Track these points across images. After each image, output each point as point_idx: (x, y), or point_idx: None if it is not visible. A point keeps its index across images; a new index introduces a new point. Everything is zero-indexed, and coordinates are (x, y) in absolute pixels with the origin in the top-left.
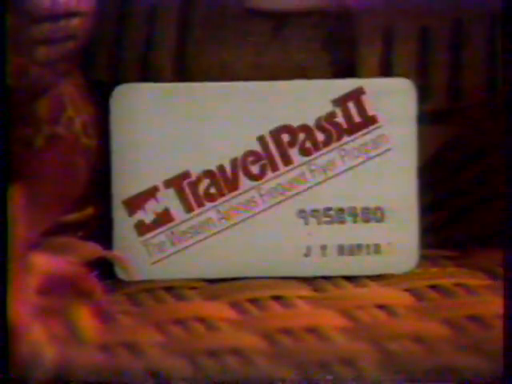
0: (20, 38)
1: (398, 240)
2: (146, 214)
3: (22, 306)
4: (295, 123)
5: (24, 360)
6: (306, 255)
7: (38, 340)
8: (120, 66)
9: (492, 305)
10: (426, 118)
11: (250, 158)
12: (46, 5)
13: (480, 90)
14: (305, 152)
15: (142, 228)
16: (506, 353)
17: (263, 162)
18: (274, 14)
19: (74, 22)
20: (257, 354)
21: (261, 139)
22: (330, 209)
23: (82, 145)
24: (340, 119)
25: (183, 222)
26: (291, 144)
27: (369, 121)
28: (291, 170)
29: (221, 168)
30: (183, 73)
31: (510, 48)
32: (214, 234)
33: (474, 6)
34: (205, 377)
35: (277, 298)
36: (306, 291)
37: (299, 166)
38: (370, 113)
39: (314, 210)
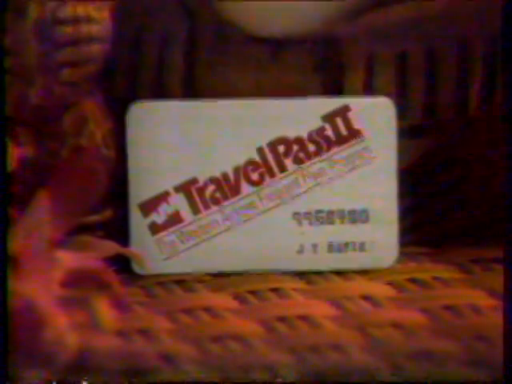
0: (46, 61)
1: (381, 239)
2: (159, 216)
3: (48, 298)
4: (290, 136)
5: (49, 345)
6: (300, 252)
7: (62, 327)
8: (136, 85)
9: (464, 296)
10: (404, 132)
11: (251, 167)
12: (69, 31)
13: (451, 108)
14: (298, 161)
15: (154, 228)
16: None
17: (262, 169)
18: (272, 41)
19: (95, 47)
20: (256, 339)
21: (260, 150)
22: (320, 211)
23: (102, 155)
24: (329, 132)
25: (191, 222)
26: (286, 154)
27: (354, 134)
28: (286, 176)
29: (225, 175)
30: (191, 91)
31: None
32: (219, 233)
33: (444, 34)
34: (210, 360)
35: (274, 290)
36: (299, 284)
37: (293, 173)
38: (356, 127)
39: (307, 213)
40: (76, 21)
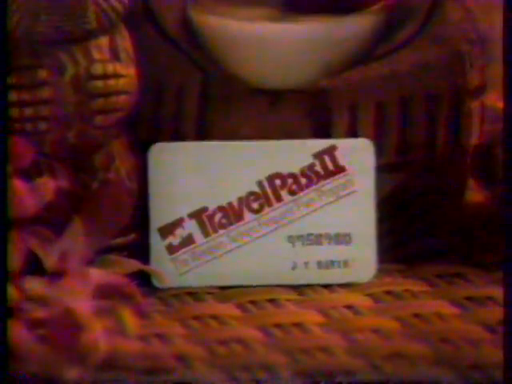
0: (82, 110)
1: (361, 258)
2: (175, 238)
3: (83, 307)
4: (285, 171)
5: (85, 347)
6: (293, 269)
7: (96, 332)
8: (156, 129)
9: (430, 305)
10: (381, 168)
11: (252, 197)
12: (100, 85)
13: (420, 148)
14: (292, 192)
15: (171, 248)
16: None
17: (261, 200)
18: (270, 92)
19: (122, 97)
20: (256, 342)
21: (259, 183)
22: (311, 234)
23: (127, 187)
24: (318, 168)
25: (202, 244)
26: (282, 186)
27: (339, 170)
28: (282, 205)
29: (230, 204)
30: (203, 134)
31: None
32: (225, 253)
33: (414, 86)
34: (217, 360)
35: (271, 301)
36: (292, 295)
37: (288, 202)
38: (341, 164)
39: (299, 235)
40: (106, 76)
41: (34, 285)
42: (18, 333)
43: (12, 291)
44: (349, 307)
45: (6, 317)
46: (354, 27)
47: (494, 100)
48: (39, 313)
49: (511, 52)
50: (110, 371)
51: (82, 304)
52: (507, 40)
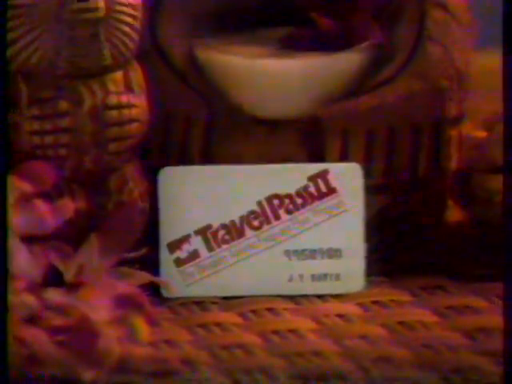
0: (98, 137)
1: (351, 271)
2: (182, 253)
3: (99, 315)
4: (282, 192)
5: (101, 352)
6: (290, 281)
7: (111, 338)
8: (165, 154)
9: (414, 314)
10: (370, 189)
11: (252, 215)
12: (115, 115)
13: (405, 172)
14: (289, 211)
15: (178, 262)
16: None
17: (261, 218)
18: (269, 121)
19: (135, 126)
20: (255, 347)
21: (259, 203)
22: (306, 249)
23: (139, 207)
24: (312, 189)
25: (207, 258)
26: (280, 206)
27: (331, 191)
28: (280, 223)
29: (232, 222)
30: (208, 159)
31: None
32: (228, 266)
33: (400, 116)
34: (220, 364)
35: (269, 309)
36: (289, 305)
37: (285, 221)
38: (333, 186)
39: (295, 250)
40: (120, 107)
41: (54, 295)
42: (39, 338)
43: (33, 300)
44: (340, 315)
45: (5, 317)
46: (345, 63)
47: (471, 129)
48: (59, 320)
49: (511, 52)
50: (122, 374)
51: (98, 312)
52: (507, 40)
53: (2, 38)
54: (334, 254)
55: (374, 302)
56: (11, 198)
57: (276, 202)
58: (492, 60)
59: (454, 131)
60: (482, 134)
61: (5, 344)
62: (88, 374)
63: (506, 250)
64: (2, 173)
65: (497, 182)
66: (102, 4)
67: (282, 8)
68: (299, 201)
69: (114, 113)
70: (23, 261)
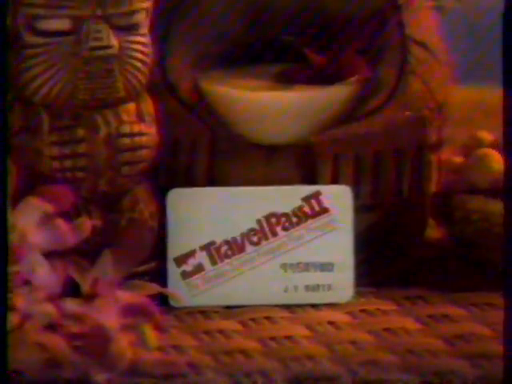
0: (112, 162)
1: (341, 282)
2: (188, 266)
3: (113, 323)
4: (279, 211)
5: (114, 356)
6: (285, 291)
7: (123, 344)
8: (173, 177)
9: (398, 322)
10: (358, 209)
11: (252, 232)
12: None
13: (391, 194)
14: (285, 229)
15: (185, 275)
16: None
17: (260, 234)
18: (267, 147)
19: (145, 151)
20: (255, 352)
21: (258, 221)
22: (300, 263)
23: (149, 226)
24: (306, 209)
25: (210, 271)
26: (277, 224)
27: (324, 210)
28: (277, 239)
29: (234, 238)
30: (212, 182)
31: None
32: (229, 278)
33: (385, 142)
34: (223, 367)
35: (267, 318)
36: (285, 313)
37: (282, 237)
38: (325, 206)
39: (291, 264)
40: (132, 134)
41: (72, 304)
42: (57, 344)
43: (53, 309)
44: (331, 323)
45: (5, 319)
46: (335, 96)
47: (449, 154)
48: (75, 328)
49: (510, 51)
50: (133, 376)
51: (111, 320)
52: (507, 41)
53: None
54: (325, 267)
55: (362, 311)
56: (34, 218)
57: (273, 220)
58: (468, 93)
59: (434, 156)
60: (459, 159)
61: (5, 344)
62: (101, 377)
63: (506, 257)
64: (1, 172)
65: (473, 203)
66: (115, 42)
67: (279, 46)
68: (294, 219)
69: (127, 140)
70: (45, 274)
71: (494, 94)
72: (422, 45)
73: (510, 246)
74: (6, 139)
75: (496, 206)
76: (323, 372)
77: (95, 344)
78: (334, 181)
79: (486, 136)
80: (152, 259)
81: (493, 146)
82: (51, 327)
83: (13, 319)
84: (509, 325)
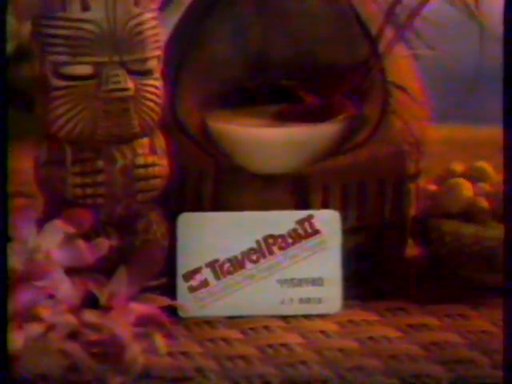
0: (128, 190)
1: (331, 296)
2: (195, 281)
3: (127, 332)
4: (276, 233)
5: (127, 362)
6: (282, 303)
7: (136, 351)
8: (182, 203)
9: (381, 331)
10: (346, 232)
11: (251, 251)
12: (142, 171)
13: (375, 217)
14: (281, 248)
15: (192, 289)
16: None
17: (258, 253)
18: (265, 176)
19: (158, 181)
20: (254, 358)
21: (257, 241)
22: (294, 278)
23: (160, 246)
24: (300, 231)
25: (215, 286)
26: (274, 244)
27: (315, 232)
28: (274, 258)
29: (235, 256)
30: (217, 207)
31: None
32: (232, 292)
33: (369, 173)
34: (225, 372)
35: (265, 327)
36: (281, 323)
37: (278, 256)
38: (316, 228)
39: (286, 279)
40: (146, 166)
41: (91, 316)
42: (78, 351)
43: (74, 320)
44: (322, 332)
45: (5, 321)
46: (325, 132)
47: (425, 183)
48: (93, 336)
49: (510, 51)
50: (145, 380)
51: (125, 330)
52: (507, 41)
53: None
54: (316, 282)
55: (349, 321)
56: (57, 239)
57: (271, 240)
58: (442, 131)
59: (412, 185)
60: (434, 187)
61: (5, 344)
62: (116, 380)
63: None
64: (1, 175)
65: (447, 226)
66: (131, 85)
67: (276, 88)
68: (289, 240)
69: (141, 170)
70: (67, 288)
71: (464, 132)
72: (402, 88)
73: (510, 246)
74: (6, 140)
75: (467, 229)
76: (314, 376)
77: (111, 351)
78: (324, 206)
79: (457, 167)
80: (163, 275)
81: (463, 176)
82: (72, 336)
83: (38, 328)
84: (509, 324)
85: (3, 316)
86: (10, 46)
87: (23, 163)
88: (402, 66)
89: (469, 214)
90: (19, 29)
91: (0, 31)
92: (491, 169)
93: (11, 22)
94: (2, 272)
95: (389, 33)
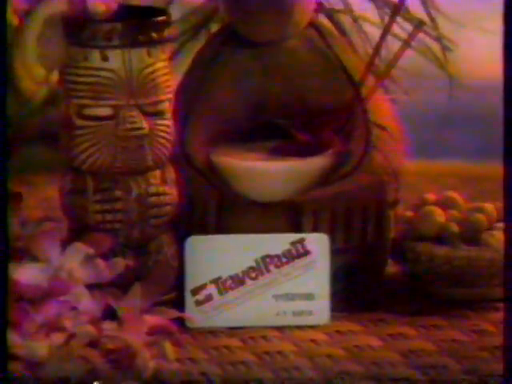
0: (142, 215)
1: (320, 309)
2: (200, 296)
3: (139, 341)
4: (272, 253)
5: (139, 367)
6: (277, 315)
7: (147, 357)
8: (189, 227)
9: (364, 340)
10: (334, 252)
11: (251, 270)
12: (155, 201)
13: (359, 240)
14: (277, 266)
15: (198, 303)
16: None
17: (257, 271)
18: (264, 203)
19: (168, 208)
20: (253, 364)
21: (256, 260)
22: (288, 293)
23: (171, 265)
24: (293, 251)
25: (218, 300)
26: (270, 263)
27: (307, 253)
28: (270, 275)
29: (237, 274)
30: (220, 230)
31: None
32: (233, 305)
33: (356, 201)
34: (228, 376)
35: (263, 337)
36: (277, 333)
37: (274, 273)
38: (308, 249)
39: (281, 294)
40: (158, 194)
41: (109, 326)
42: (96, 357)
43: (94, 330)
44: (312, 340)
45: (5, 320)
46: (315, 165)
47: (403, 210)
48: (111, 344)
49: (511, 53)
50: (156, 383)
51: (138, 339)
52: (507, 42)
53: (3, 53)
54: (308, 296)
55: (336, 331)
56: (79, 259)
57: (268, 260)
58: (417, 164)
59: (391, 212)
60: (410, 213)
61: (4, 344)
62: None
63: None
64: (2, 177)
65: (421, 247)
66: (146, 125)
67: (272, 127)
68: (284, 259)
69: (154, 199)
70: (87, 302)
71: (435, 166)
72: (382, 127)
73: (510, 245)
74: (6, 142)
75: (439, 250)
76: (306, 379)
77: (125, 358)
78: (315, 230)
79: (430, 197)
80: (172, 291)
81: (435, 204)
82: (92, 344)
83: (62, 337)
84: (509, 324)
85: (3, 316)
86: (41, 93)
87: (51, 192)
88: (382, 108)
89: (441, 237)
90: (48, 77)
91: (0, 33)
92: (460, 198)
93: (41, 71)
94: (1, 272)
95: (370, 80)
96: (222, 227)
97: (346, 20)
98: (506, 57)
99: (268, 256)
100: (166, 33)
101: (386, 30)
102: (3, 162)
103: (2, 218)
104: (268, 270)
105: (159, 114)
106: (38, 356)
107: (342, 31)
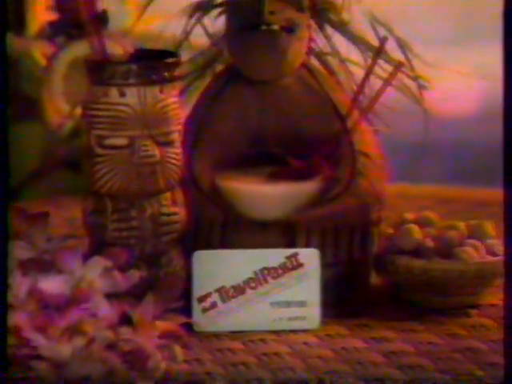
0: (154, 232)
1: (312, 315)
2: (206, 304)
3: (151, 344)
4: (270, 266)
5: (151, 369)
6: (274, 321)
7: (158, 359)
8: (196, 242)
9: (351, 342)
10: (324, 265)
11: (250, 280)
12: (166, 218)
13: (346, 255)
14: (274, 278)
15: (204, 309)
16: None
17: (256, 282)
18: (262, 222)
19: (177, 226)
20: (253, 365)
21: (255, 272)
22: (284, 301)
23: (180, 276)
24: (288, 264)
25: (221, 307)
26: (268, 274)
27: (300, 265)
28: (268, 285)
29: (238, 284)
30: (223, 246)
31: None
32: (235, 312)
33: (343, 221)
34: (230, 376)
35: (261, 340)
36: (273, 337)
37: (271, 283)
38: (301, 262)
39: (277, 302)
40: (169, 214)
41: (125, 331)
42: (113, 359)
43: (111, 334)
44: (305, 343)
45: (5, 320)
46: (308, 189)
47: (385, 228)
48: (127, 348)
49: (511, 54)
50: (167, 382)
51: (150, 343)
52: (507, 43)
53: (3, 57)
54: (301, 304)
55: (326, 335)
56: (98, 271)
57: (265, 271)
58: (397, 188)
59: (375, 229)
60: (391, 231)
61: (4, 345)
62: (143, 382)
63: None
64: (2, 180)
65: (401, 261)
66: (158, 153)
67: (269, 155)
68: (280, 271)
69: (165, 218)
70: (105, 309)
71: (413, 189)
72: (366, 155)
73: (510, 245)
74: (6, 142)
75: (416, 263)
76: (300, 378)
77: (139, 359)
78: (307, 245)
79: (409, 216)
80: (181, 299)
81: (413, 222)
82: (110, 347)
83: (83, 341)
84: (509, 324)
85: (3, 316)
86: (67, 126)
87: (74, 212)
88: (366, 138)
89: (418, 252)
90: (72, 112)
91: (0, 36)
92: (435, 217)
93: (66, 106)
94: (2, 273)
95: (355, 114)
96: (226, 243)
97: (333, 61)
98: (505, 58)
99: (266, 268)
100: (176, 72)
101: (369, 71)
102: (4, 162)
103: (3, 217)
104: (266, 281)
105: (170, 144)
106: (61, 357)
107: (331, 71)
